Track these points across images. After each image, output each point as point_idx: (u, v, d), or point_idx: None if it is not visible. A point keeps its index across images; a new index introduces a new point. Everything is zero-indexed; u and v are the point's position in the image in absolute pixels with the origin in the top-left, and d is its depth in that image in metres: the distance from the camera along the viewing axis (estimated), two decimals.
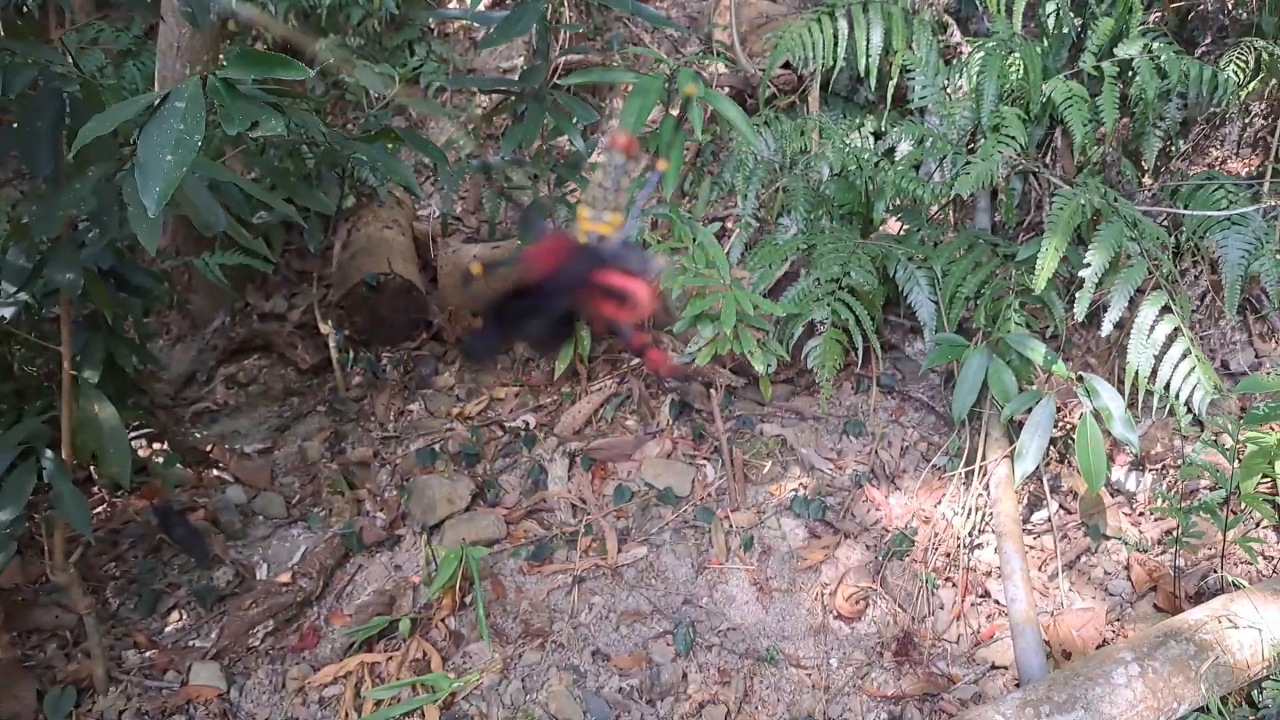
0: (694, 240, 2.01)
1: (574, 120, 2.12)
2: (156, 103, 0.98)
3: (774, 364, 1.95)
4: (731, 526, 2.02)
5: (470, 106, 3.31)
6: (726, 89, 2.97)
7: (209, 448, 2.36)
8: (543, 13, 1.97)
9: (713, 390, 2.13)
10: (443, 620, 1.88)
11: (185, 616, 1.94)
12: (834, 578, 1.89)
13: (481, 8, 3.71)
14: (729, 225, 2.62)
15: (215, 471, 2.30)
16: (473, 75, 3.40)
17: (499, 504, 2.17)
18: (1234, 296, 2.01)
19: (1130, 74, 2.15)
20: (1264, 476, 1.73)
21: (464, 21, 3.55)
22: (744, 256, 2.31)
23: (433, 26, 3.46)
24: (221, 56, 2.40)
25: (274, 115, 1.04)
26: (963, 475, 1.98)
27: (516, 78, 3.46)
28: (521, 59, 3.42)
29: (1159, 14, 2.57)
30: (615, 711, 1.70)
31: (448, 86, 2.66)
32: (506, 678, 1.78)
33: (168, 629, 1.92)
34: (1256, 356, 2.15)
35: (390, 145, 1.94)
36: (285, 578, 1.98)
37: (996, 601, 1.82)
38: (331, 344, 2.49)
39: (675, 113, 2.01)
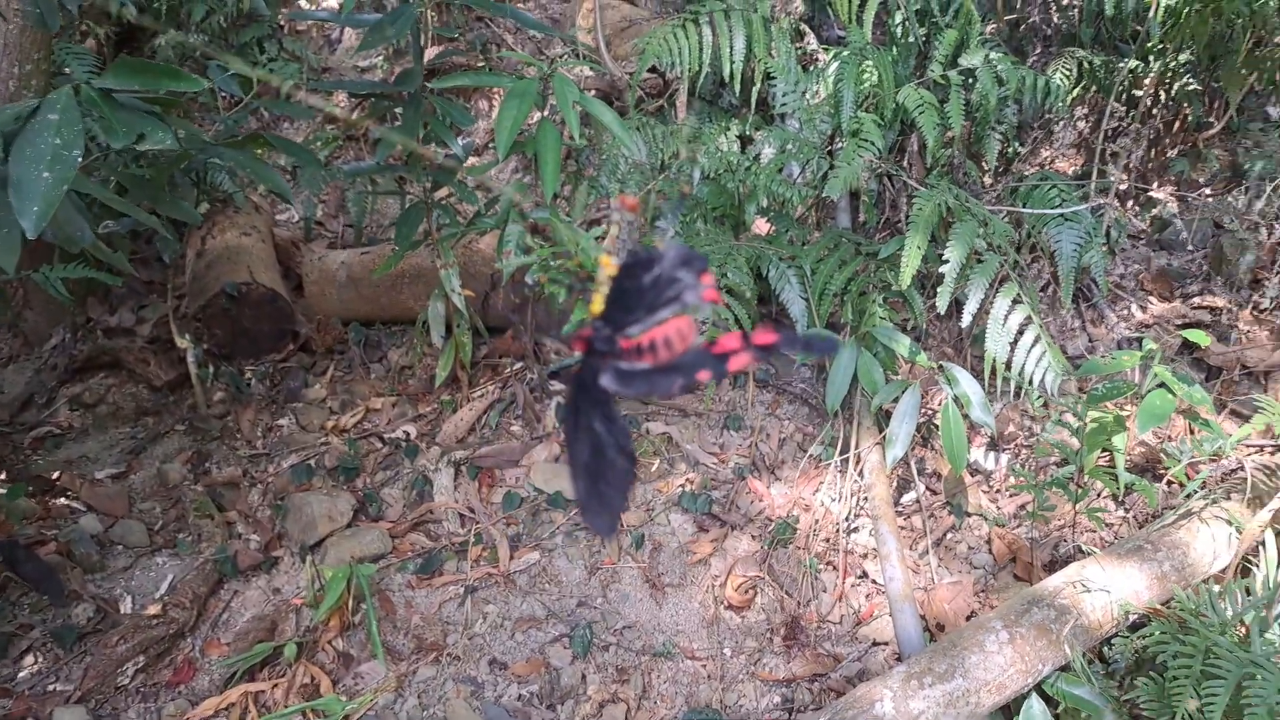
0: (577, 244, 2.04)
1: (449, 123, 2.11)
2: (26, 114, 0.93)
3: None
4: (622, 526, 2.06)
5: (328, 107, 3.22)
6: (593, 92, 3.02)
7: (55, 475, 2.21)
8: (415, 16, 1.96)
9: None
10: (330, 642, 1.84)
11: (42, 659, 1.82)
12: (723, 569, 1.96)
13: (333, 5, 3.61)
14: (602, 227, 2.66)
15: (64, 500, 2.16)
16: (327, 76, 3.30)
17: (382, 518, 2.13)
18: (1069, 287, 2.22)
19: (972, 81, 2.33)
20: (1103, 451, 1.92)
21: (317, 20, 3.44)
22: None
23: (283, 24, 3.34)
24: (56, 57, 2.25)
25: (160, 127, 1.00)
26: (838, 463, 2.10)
27: (376, 79, 3.40)
28: (381, 59, 3.36)
29: (994, 25, 2.79)
30: (516, 719, 1.72)
31: (316, 88, 2.58)
32: (402, 695, 1.76)
33: (22, 674, 1.79)
34: (1090, 341, 2.37)
35: (259, 150, 1.88)
36: (154, 609, 1.88)
37: (874, 581, 1.94)
38: (189, 359, 2.37)
39: (550, 116, 2.03)
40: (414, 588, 1.97)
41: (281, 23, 3.31)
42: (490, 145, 3.25)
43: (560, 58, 3.15)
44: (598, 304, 0.72)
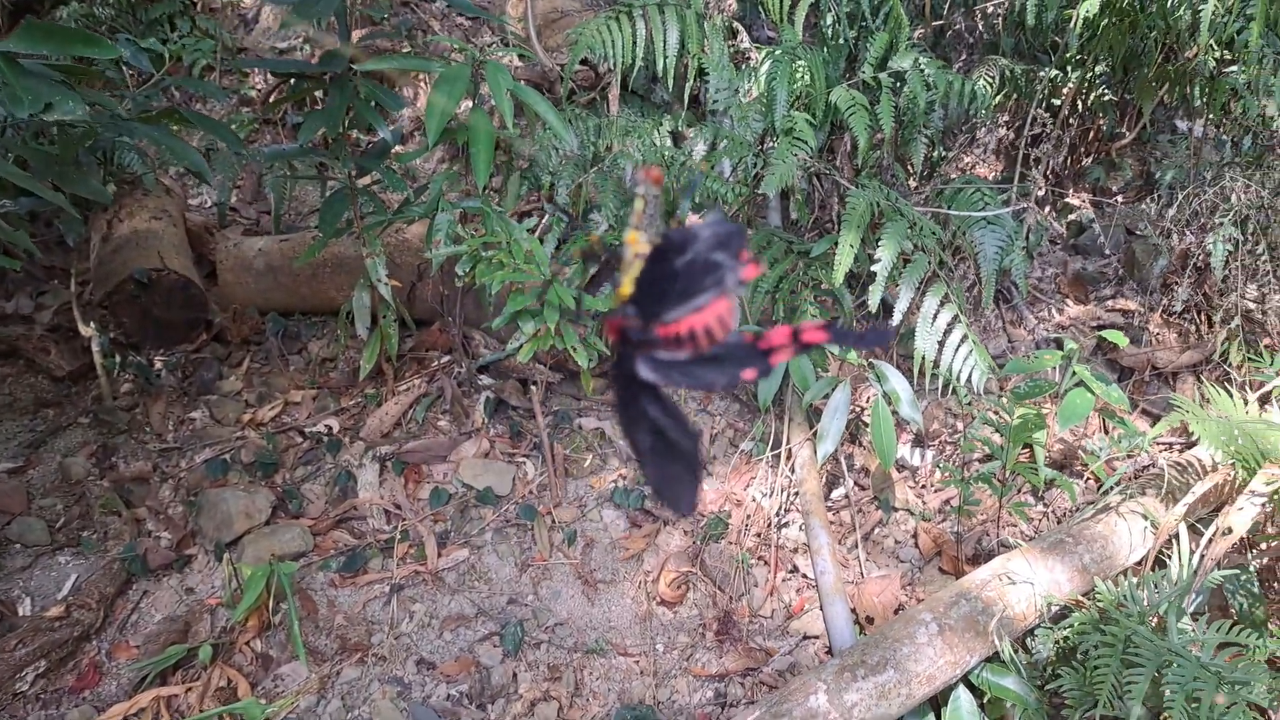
0: (510, 236, 2.01)
1: (376, 107, 2.06)
2: None
3: (595, 359, 1.99)
4: (554, 522, 2.04)
5: (243, 88, 3.10)
6: (524, 82, 2.99)
7: None
8: None
9: (532, 386, 2.15)
10: (248, 643, 1.78)
11: None
12: (655, 565, 1.96)
13: None
14: (535, 218, 2.63)
15: None
16: (244, 56, 3.18)
17: (303, 515, 2.07)
18: (991, 288, 2.29)
19: (901, 85, 2.39)
20: (1025, 446, 1.99)
21: None
22: (557, 252, 2.33)
23: (195, 0, 3.21)
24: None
25: (70, 96, 0.94)
26: (769, 459, 2.12)
27: (295, 59, 3.29)
28: (301, 41, 3.25)
29: (921, 30, 2.86)
30: (445, 719, 1.68)
31: (233, 67, 2.48)
32: (325, 697, 1.71)
33: None
34: (1009, 342, 2.45)
35: (174, 127, 1.80)
36: (56, 611, 1.79)
37: (804, 576, 1.96)
38: (94, 348, 2.26)
39: (482, 105, 2.00)
40: (337, 586, 1.92)
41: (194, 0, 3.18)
42: (417, 132, 3.19)
43: (490, 46, 3.10)
44: (627, 286, 0.66)
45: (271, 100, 3.13)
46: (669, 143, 2.65)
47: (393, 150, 2.32)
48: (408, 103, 3.20)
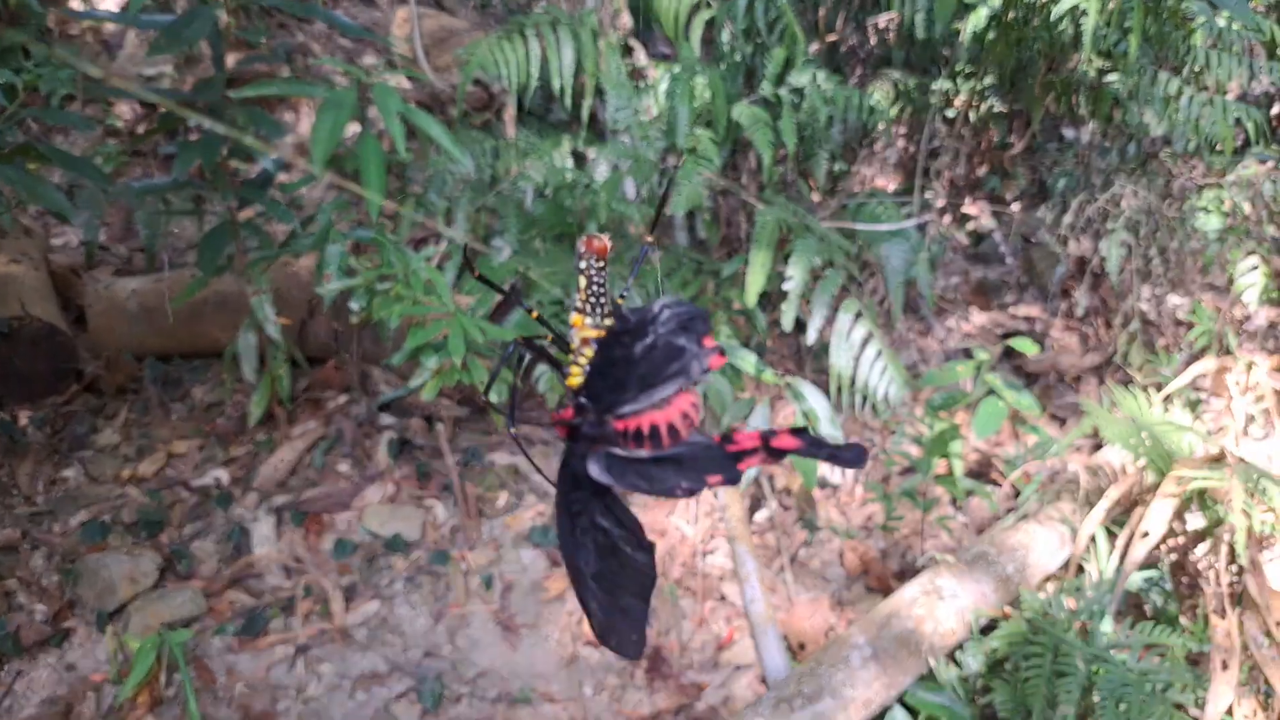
0: (407, 266, 1.97)
1: (256, 134, 1.99)
2: None
3: (506, 393, 1.96)
4: (469, 566, 1.99)
5: (109, 119, 2.96)
6: (414, 104, 2.94)
7: None
8: (216, 19, 1.84)
9: (438, 424, 2.10)
10: None
11: None
12: (579, 604, 1.93)
13: (111, 7, 3.34)
14: (432, 247, 2.58)
15: None
16: (108, 84, 3.04)
17: (194, 575, 1.96)
18: (899, 301, 2.35)
19: (801, 100, 2.44)
20: (942, 457, 2.04)
21: (92, 23, 3.17)
22: (459, 281, 2.29)
23: (53, 27, 3.05)
24: None
25: None
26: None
27: (165, 87, 3.16)
28: (170, 68, 3.13)
29: (817, 46, 2.94)
30: None
31: (97, 96, 2.36)
32: None
33: None
34: (919, 353, 2.53)
35: (31, 164, 1.70)
36: None
37: (732, 604, 1.97)
38: None
39: (370, 129, 1.95)
40: (236, 651, 1.82)
41: (52, 25, 3.02)
42: (301, 160, 3.10)
43: (376, 68, 3.05)
44: (576, 376, 0.62)
45: (141, 131, 3.00)
46: (570, 164, 2.64)
47: (276, 180, 2.25)
48: (289, 129, 3.11)
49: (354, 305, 2.08)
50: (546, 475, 0.71)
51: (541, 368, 2.15)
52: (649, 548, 0.59)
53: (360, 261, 2.13)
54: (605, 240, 0.64)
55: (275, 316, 2.11)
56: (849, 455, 0.57)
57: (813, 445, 0.57)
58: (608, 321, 0.63)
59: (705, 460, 0.57)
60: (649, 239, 0.74)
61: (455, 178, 2.49)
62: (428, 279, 2.03)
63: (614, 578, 0.58)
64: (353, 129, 2.10)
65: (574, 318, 0.63)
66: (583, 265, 0.65)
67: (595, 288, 0.65)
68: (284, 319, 2.16)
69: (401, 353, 1.95)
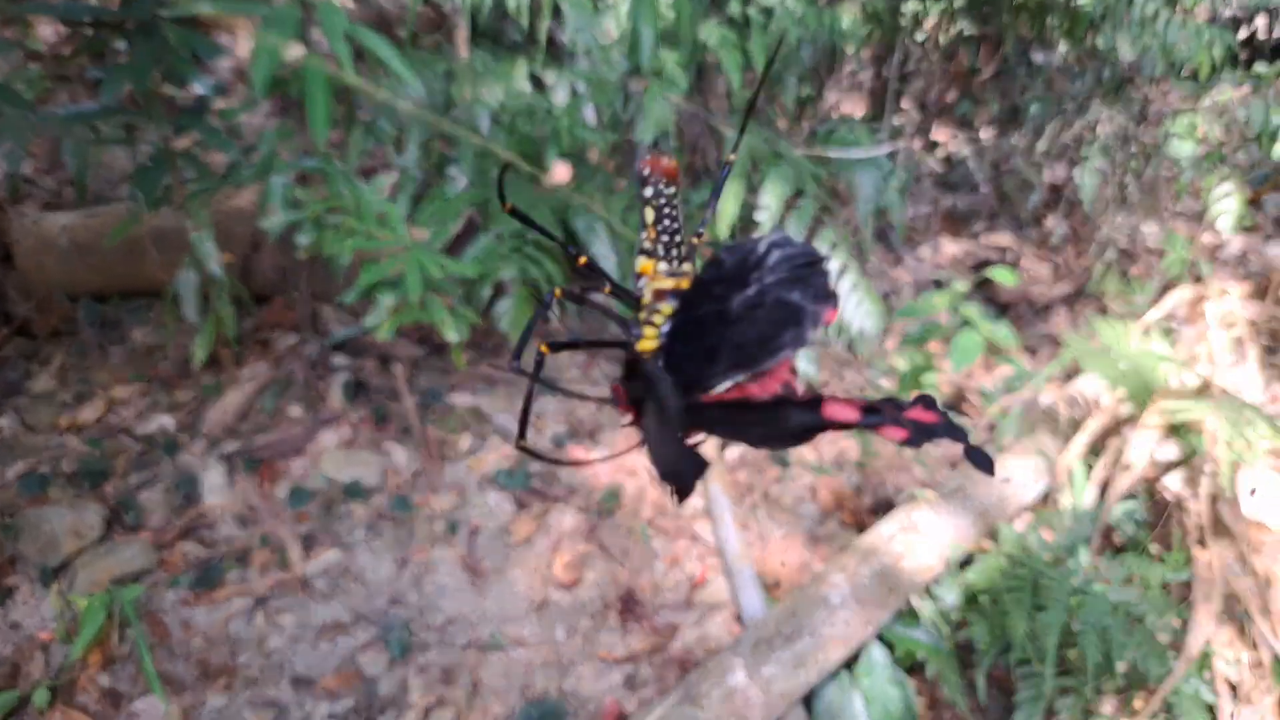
0: (357, 198, 1.88)
1: (191, 57, 1.87)
2: None
3: (467, 331, 1.90)
4: (433, 512, 1.95)
5: (29, 41, 2.78)
6: (360, 23, 2.80)
7: None
8: None
9: (396, 365, 2.03)
10: (93, 680, 1.62)
11: None
12: (549, 547, 1.91)
13: None
14: (383, 177, 2.48)
15: None
16: (27, 1, 2.85)
17: (143, 527, 1.89)
18: (869, 230, 2.32)
19: (768, 21, 2.36)
20: (915, 388, 2.03)
21: None
22: (412, 213, 2.20)
23: None
24: None
25: None
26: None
27: (94, 5, 2.97)
28: None
29: None
30: None
31: (14, 15, 2.19)
32: None
33: None
34: (890, 284, 2.50)
35: None
36: None
37: (705, 543, 1.95)
38: None
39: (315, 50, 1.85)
40: (191, 605, 1.77)
41: None
42: (240, 85, 2.95)
43: None
44: (649, 340, 0.50)
45: (65, 54, 2.82)
46: (528, 88, 2.54)
47: (214, 106, 2.13)
48: (227, 51, 2.95)
49: (302, 240, 1.99)
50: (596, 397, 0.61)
51: (503, 303, 2.09)
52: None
53: (307, 193, 2.04)
54: (671, 159, 0.52)
55: (217, 253, 2.02)
56: (979, 456, 0.47)
57: (949, 426, 0.46)
58: (685, 267, 0.51)
59: (800, 422, 0.46)
60: (732, 157, 0.61)
61: (407, 103, 2.38)
62: (380, 211, 1.94)
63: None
64: (297, 50, 1.98)
65: (642, 263, 0.52)
66: (648, 193, 0.53)
67: (668, 222, 0.52)
68: (227, 255, 2.07)
69: (354, 290, 1.87)
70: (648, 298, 0.50)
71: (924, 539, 1.64)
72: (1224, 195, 2.09)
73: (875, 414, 0.45)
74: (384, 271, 1.85)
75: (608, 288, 0.54)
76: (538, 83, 2.53)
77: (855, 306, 1.96)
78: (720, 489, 1.90)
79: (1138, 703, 1.45)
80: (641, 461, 2.06)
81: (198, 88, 2.09)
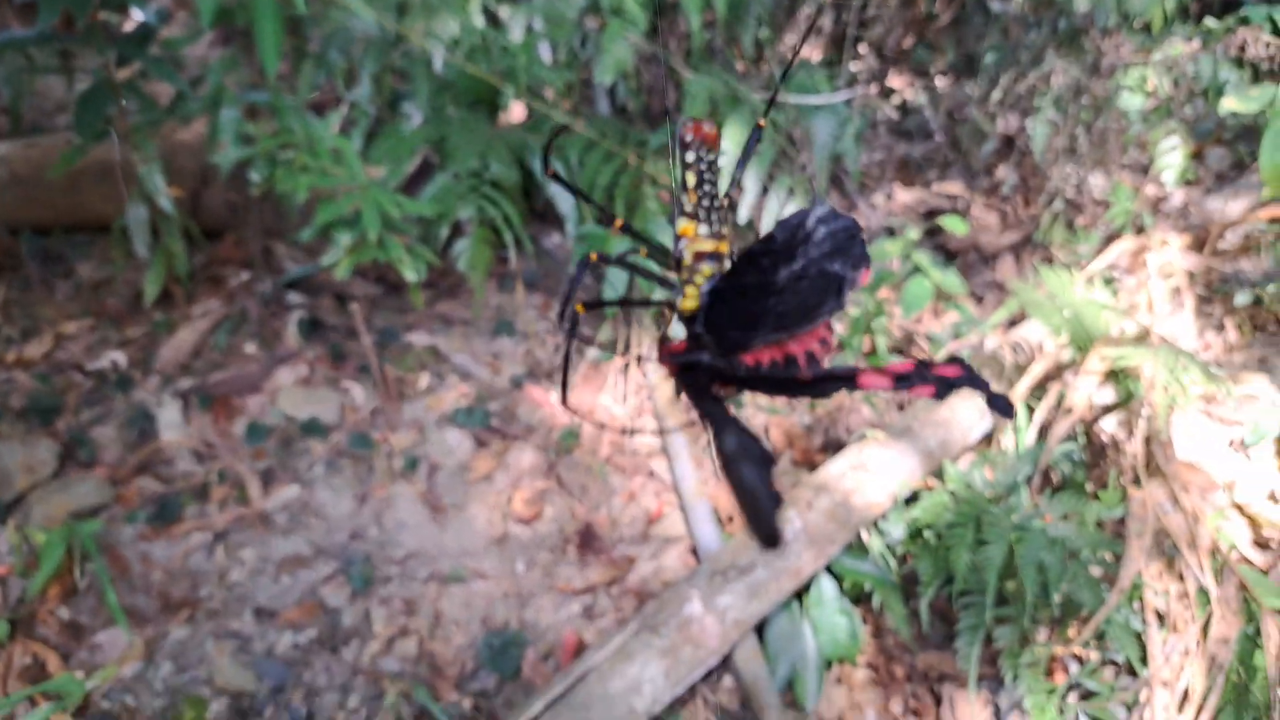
0: (309, 133, 1.88)
1: None
2: None
3: (424, 271, 1.92)
4: (392, 449, 1.99)
5: None
6: None
7: None
8: None
9: (352, 303, 2.04)
10: (52, 613, 1.64)
11: None
12: (508, 484, 1.96)
13: None
14: (335, 112, 2.46)
15: None
16: None
17: (97, 463, 1.90)
18: (824, 177, 2.37)
19: None
20: (866, 332, 2.11)
21: None
22: (366, 149, 2.20)
23: None
24: None
25: None
26: (620, 364, 2.14)
27: None
28: None
29: None
30: (296, 669, 1.64)
31: None
32: (153, 662, 1.61)
33: None
34: None
35: None
36: None
37: (661, 479, 2.02)
38: None
39: None
40: (150, 539, 1.79)
41: None
42: (183, 13, 2.88)
43: None
44: (690, 299, 0.53)
45: None
46: (482, 23, 2.52)
47: (157, 35, 2.08)
48: None
49: (254, 176, 1.98)
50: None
51: (461, 243, 2.10)
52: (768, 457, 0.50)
53: (257, 128, 2.02)
54: (713, 125, 0.55)
55: (166, 188, 2.00)
56: (1002, 403, 0.52)
57: (972, 378, 0.51)
58: (725, 230, 0.55)
59: (833, 377, 0.51)
60: (761, 123, 0.64)
61: (361, 35, 2.35)
62: (334, 147, 1.94)
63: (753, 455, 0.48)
64: None
65: (683, 225, 0.55)
66: (690, 158, 0.56)
67: (708, 187, 0.56)
68: (175, 190, 2.05)
69: (311, 229, 1.88)
70: (689, 259, 0.54)
71: (873, 477, 1.72)
72: (1170, 149, 2.18)
73: (905, 380, 0.50)
74: (340, 210, 1.86)
75: (645, 250, 0.57)
76: (493, 18, 2.52)
77: None
78: (676, 427, 1.96)
79: (1071, 631, 1.56)
80: (599, 400, 2.11)
81: (139, 15, 2.05)
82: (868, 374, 0.50)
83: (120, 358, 2.09)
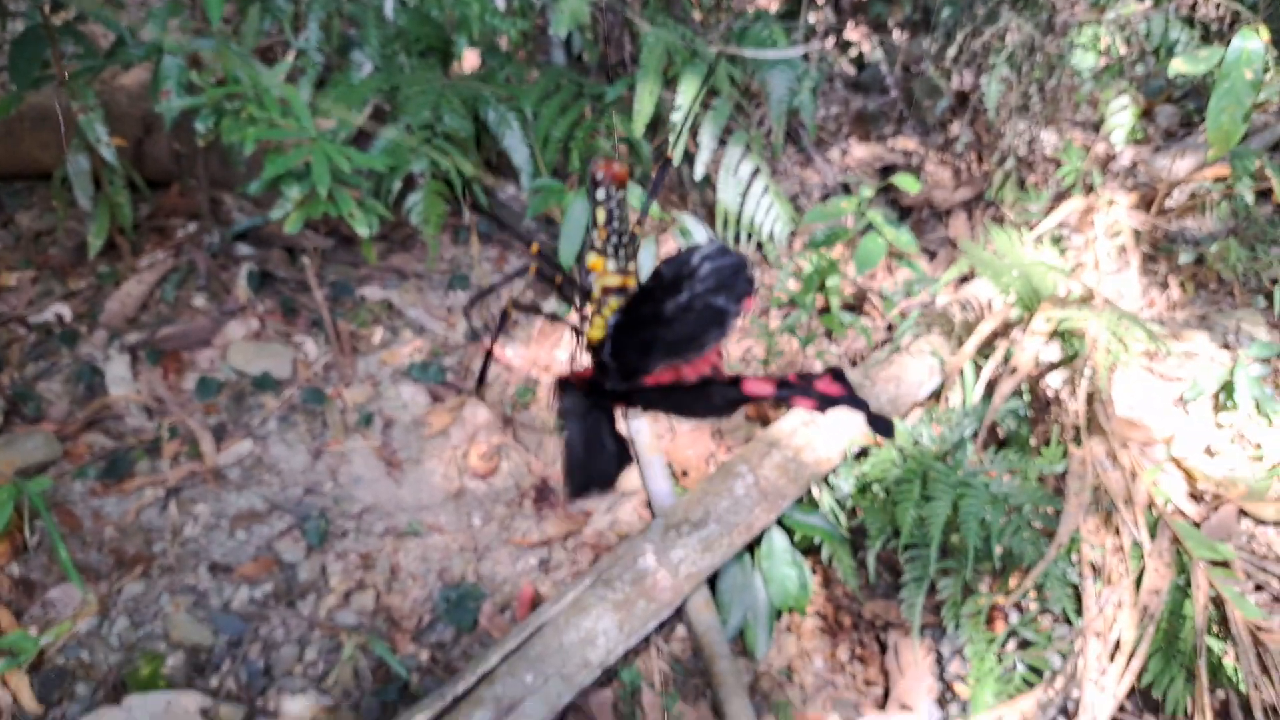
0: (257, 82, 1.84)
1: None
2: None
3: (376, 225, 1.91)
4: (346, 404, 1.99)
5: None
6: None
7: None
8: None
9: (303, 256, 2.03)
10: (2, 570, 1.64)
11: None
12: (464, 439, 1.98)
13: None
14: (284, 60, 2.41)
15: None
16: None
17: (44, 418, 1.89)
18: (781, 131, 2.38)
19: None
20: (820, 292, 2.14)
21: None
22: (315, 100, 2.16)
23: None
24: None
25: None
26: (576, 320, 2.15)
27: None
28: None
29: None
30: (252, 624, 1.66)
31: None
32: (108, 617, 1.62)
33: None
34: (800, 185, 2.59)
35: None
36: None
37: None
38: None
39: None
40: (100, 495, 1.79)
41: None
42: None
43: None
44: (597, 329, 0.58)
45: None
46: None
47: None
48: None
49: (200, 127, 1.95)
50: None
51: (414, 196, 2.09)
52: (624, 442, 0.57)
53: (203, 76, 1.98)
54: (622, 165, 0.59)
55: (108, 136, 1.96)
56: (882, 424, 0.56)
57: (852, 397, 0.55)
58: (631, 265, 0.58)
59: (725, 395, 0.55)
60: (670, 155, 0.68)
61: None
62: (281, 97, 1.91)
63: (591, 450, 0.55)
64: None
65: (592, 259, 0.59)
66: (600, 195, 0.60)
67: (616, 224, 0.60)
68: (117, 139, 2.00)
69: (259, 182, 1.85)
70: (597, 292, 0.57)
71: (823, 433, 1.77)
72: (1120, 109, 2.22)
73: (788, 388, 0.55)
74: (290, 163, 1.83)
75: (559, 278, 0.61)
76: None
77: (766, 211, 2.04)
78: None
79: (1012, 582, 1.63)
80: (555, 355, 2.13)
81: None
82: (751, 381, 0.55)
83: (65, 311, 2.06)
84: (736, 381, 0.55)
